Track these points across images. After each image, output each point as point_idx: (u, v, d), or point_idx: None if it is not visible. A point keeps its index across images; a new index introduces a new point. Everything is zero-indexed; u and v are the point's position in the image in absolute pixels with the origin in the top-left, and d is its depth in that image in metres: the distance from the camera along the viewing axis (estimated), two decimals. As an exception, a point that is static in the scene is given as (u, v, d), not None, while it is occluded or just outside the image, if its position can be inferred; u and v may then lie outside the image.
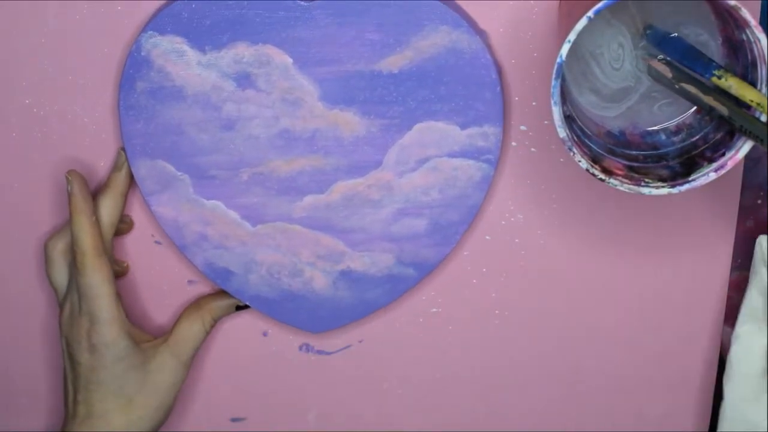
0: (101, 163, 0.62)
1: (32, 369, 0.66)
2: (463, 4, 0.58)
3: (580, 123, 0.56)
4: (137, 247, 0.63)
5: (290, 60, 0.58)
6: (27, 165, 0.62)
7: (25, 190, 0.63)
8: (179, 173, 0.59)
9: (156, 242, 0.63)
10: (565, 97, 0.54)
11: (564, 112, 0.52)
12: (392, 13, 0.57)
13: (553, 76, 0.51)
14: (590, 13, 0.50)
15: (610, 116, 0.58)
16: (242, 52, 0.58)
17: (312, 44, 0.58)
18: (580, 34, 0.51)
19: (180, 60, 0.58)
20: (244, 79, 0.58)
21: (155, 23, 0.57)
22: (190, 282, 0.64)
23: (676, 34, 0.56)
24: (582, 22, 0.50)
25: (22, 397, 0.67)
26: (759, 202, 0.63)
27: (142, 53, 0.57)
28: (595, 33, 0.56)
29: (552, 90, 0.51)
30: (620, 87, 0.57)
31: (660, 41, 0.56)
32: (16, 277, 0.64)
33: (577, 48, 0.56)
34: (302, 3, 0.57)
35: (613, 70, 0.57)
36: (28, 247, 0.64)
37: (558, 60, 0.51)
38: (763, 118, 0.53)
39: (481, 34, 0.58)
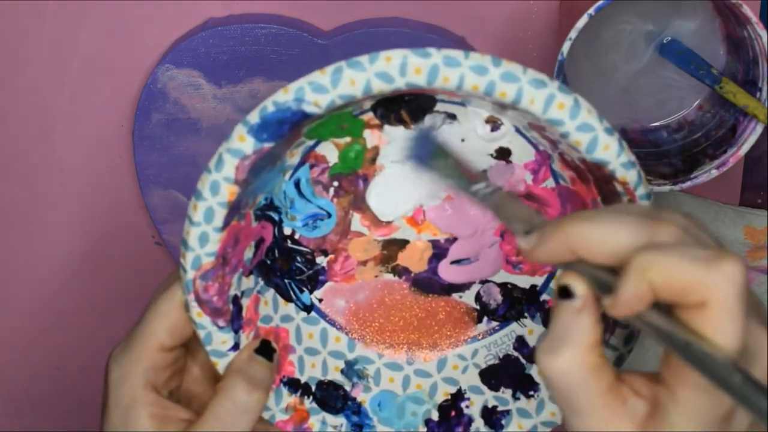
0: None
1: (32, 369, 0.67)
2: (464, 4, 0.59)
3: None
4: (137, 248, 0.64)
5: (305, 96, 0.59)
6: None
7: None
8: (191, 204, 0.60)
9: (156, 243, 0.64)
10: None
11: None
12: (407, 53, 0.58)
13: (555, 73, 0.52)
14: (591, 11, 0.51)
15: (613, 113, 0.58)
16: (258, 87, 0.58)
17: (327, 82, 0.58)
18: (584, 31, 0.51)
19: (196, 93, 0.58)
20: None
21: (172, 56, 0.58)
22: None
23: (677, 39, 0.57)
24: (583, 20, 0.51)
25: (22, 397, 0.68)
26: (759, 201, 0.64)
27: (158, 85, 0.58)
28: (613, 23, 0.56)
29: None
30: (635, 70, 0.58)
31: (660, 47, 0.57)
32: (15, 277, 0.65)
33: (591, 41, 0.56)
34: (319, 41, 0.58)
35: (629, 53, 0.57)
36: (28, 248, 0.64)
37: (559, 58, 0.52)
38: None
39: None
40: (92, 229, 0.63)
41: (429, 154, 0.44)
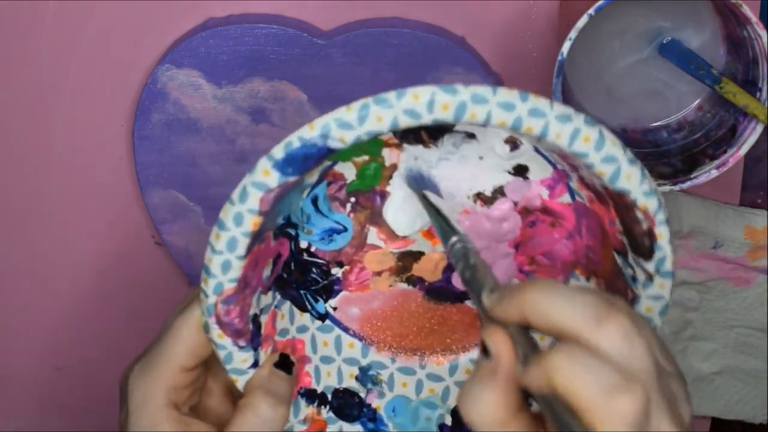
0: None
1: (32, 369, 0.67)
2: (464, 4, 0.59)
3: None
4: (137, 248, 0.64)
5: (305, 96, 0.58)
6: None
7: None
8: (191, 204, 0.60)
9: (156, 243, 0.64)
10: (566, 97, 0.54)
11: None
12: (407, 54, 0.58)
13: (555, 73, 0.52)
14: (591, 11, 0.51)
15: (613, 113, 0.59)
16: (258, 87, 0.58)
17: (327, 82, 0.58)
18: (584, 31, 0.51)
19: (196, 93, 0.58)
20: (258, 114, 0.59)
21: (172, 56, 0.58)
22: (191, 284, 0.64)
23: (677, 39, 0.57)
24: (583, 20, 0.51)
25: (22, 397, 0.68)
26: (759, 201, 0.64)
27: (158, 85, 0.58)
28: (622, 15, 0.56)
29: (553, 88, 0.52)
30: (631, 63, 0.58)
31: (660, 46, 0.57)
32: (15, 277, 0.65)
33: (591, 41, 0.56)
34: (318, 41, 0.58)
35: (631, 45, 0.57)
36: (27, 248, 0.64)
37: (559, 58, 0.52)
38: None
39: (493, 75, 0.59)
40: (92, 228, 0.63)
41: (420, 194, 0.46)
